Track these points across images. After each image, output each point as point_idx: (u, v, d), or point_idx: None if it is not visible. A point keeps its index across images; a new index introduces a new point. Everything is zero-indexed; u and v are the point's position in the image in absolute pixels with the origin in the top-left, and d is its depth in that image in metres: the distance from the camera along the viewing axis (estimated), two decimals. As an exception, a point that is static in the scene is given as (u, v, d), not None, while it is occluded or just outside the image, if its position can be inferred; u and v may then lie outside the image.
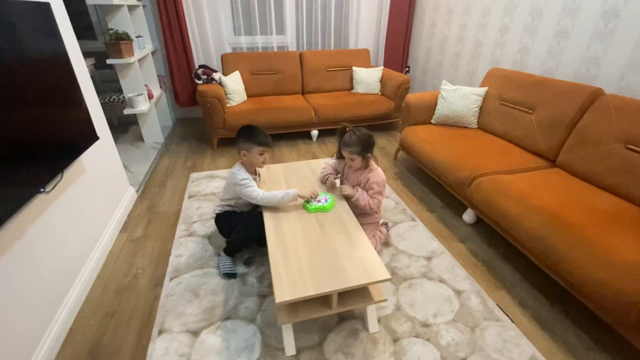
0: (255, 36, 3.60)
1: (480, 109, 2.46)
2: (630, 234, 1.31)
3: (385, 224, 1.86)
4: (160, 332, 1.37)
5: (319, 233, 1.42)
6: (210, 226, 1.98)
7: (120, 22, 2.68)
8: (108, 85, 3.59)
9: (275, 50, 3.68)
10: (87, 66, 3.00)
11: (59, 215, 1.44)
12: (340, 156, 1.71)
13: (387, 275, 1.20)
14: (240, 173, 1.60)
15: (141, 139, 3.25)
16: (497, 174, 1.84)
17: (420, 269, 1.67)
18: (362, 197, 1.62)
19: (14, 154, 1.10)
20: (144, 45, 3.07)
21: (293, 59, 3.45)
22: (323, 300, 1.27)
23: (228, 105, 3.05)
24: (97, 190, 1.80)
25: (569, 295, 1.51)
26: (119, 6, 2.62)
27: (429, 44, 3.62)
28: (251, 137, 1.59)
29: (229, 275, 1.62)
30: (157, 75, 3.45)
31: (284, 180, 1.82)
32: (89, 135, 1.58)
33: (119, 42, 2.55)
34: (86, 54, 3.11)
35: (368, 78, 3.46)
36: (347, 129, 1.61)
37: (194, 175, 2.60)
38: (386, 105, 3.31)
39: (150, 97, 3.03)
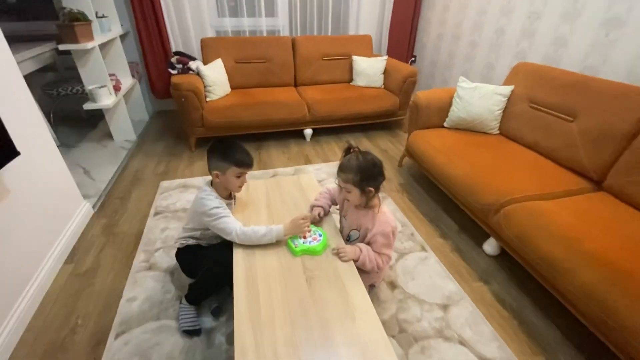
0: (241, 18, 3.14)
1: (503, 111, 2.07)
2: None
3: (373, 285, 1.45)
4: (91, 423, 1.02)
5: (306, 292, 1.05)
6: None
7: (77, 0, 2.23)
8: (73, 73, 3.13)
9: (265, 35, 3.23)
10: (46, 52, 2.59)
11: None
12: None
13: (399, 371, 0.84)
14: (210, 199, 1.23)
15: (110, 136, 2.84)
16: (531, 199, 1.48)
17: (434, 324, 1.33)
18: (367, 258, 1.19)
19: None
20: (109, 27, 2.62)
21: (284, 45, 3.00)
22: (307, 398, 0.92)
23: (208, 99, 2.63)
24: (28, 215, 1.42)
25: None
26: (72, -21, 2.16)
27: (440, 30, 3.18)
28: (227, 156, 1.20)
29: (191, 333, 1.26)
30: (129, 63, 3.00)
31: (264, 203, 1.44)
32: (2, 151, 1.18)
33: (73, 24, 2.12)
34: (46, 37, 2.67)
35: (370, 69, 3.03)
36: (352, 149, 1.22)
37: (164, 184, 2.21)
38: (390, 101, 2.90)
39: (117, 89, 2.61)
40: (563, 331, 1.31)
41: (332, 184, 1.47)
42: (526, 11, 2.25)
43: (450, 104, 2.16)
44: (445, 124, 2.21)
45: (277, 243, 1.21)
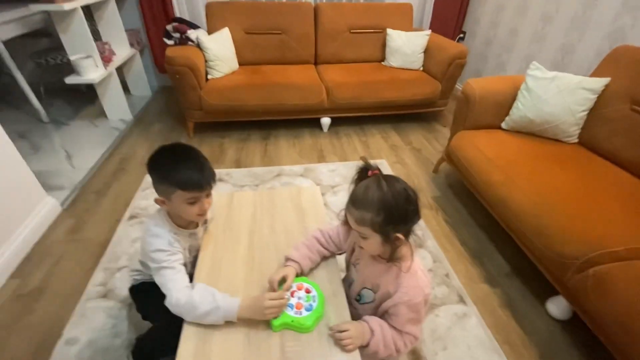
0: (257, -21, 2.63)
1: (590, 113, 1.51)
2: None
3: None
4: None
5: (277, 407, 0.66)
6: (139, 282, 1.28)
7: (54, -52, 1.84)
8: (70, 39, 2.82)
9: (285, 0, 2.72)
10: (36, 14, 2.24)
11: None
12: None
13: None
14: (155, 236, 0.84)
15: (105, 114, 2.52)
16: (636, 257, 0.98)
17: None
18: (382, 343, 0.76)
19: None
20: (100, -15, 2.23)
21: (305, 13, 2.50)
22: None
23: (210, 76, 2.22)
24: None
25: None
26: None
27: (501, 1, 2.53)
28: (168, 175, 0.79)
29: (133, 408, 0.93)
30: (128, 30, 2.62)
31: (247, 228, 1.04)
32: None
33: (45, -22, 1.74)
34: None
35: (407, 46, 2.48)
36: (370, 172, 0.77)
37: (149, 178, 1.87)
38: (430, 88, 2.36)
39: (106, 60, 2.25)
40: None
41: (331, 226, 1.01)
42: (636, -28, 1.62)
43: (513, 99, 1.62)
44: (503, 125, 1.68)
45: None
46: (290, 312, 0.78)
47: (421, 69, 2.53)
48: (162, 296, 0.81)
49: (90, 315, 1.17)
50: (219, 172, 1.87)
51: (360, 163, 0.77)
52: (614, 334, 0.93)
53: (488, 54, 2.74)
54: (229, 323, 0.77)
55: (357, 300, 0.89)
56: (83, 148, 2.16)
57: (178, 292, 0.78)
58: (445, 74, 2.35)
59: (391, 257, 0.76)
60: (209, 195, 0.86)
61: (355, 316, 0.83)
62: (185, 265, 0.88)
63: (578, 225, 1.10)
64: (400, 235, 0.71)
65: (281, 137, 2.34)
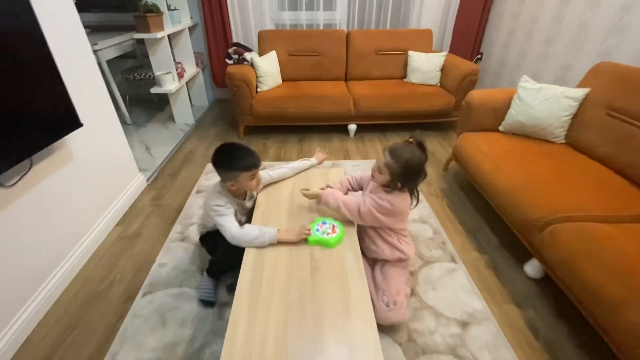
0: (300, 12, 3.19)
1: (573, 118, 1.80)
2: None
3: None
4: (109, 365, 1.15)
5: (307, 281, 1.05)
6: (206, 232, 1.73)
7: (153, -7, 2.48)
8: (149, 60, 3.51)
9: (322, 28, 3.25)
10: (127, 40, 2.93)
11: (26, 209, 1.27)
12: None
13: (383, 378, 0.79)
14: (216, 197, 1.28)
15: (173, 119, 3.13)
16: (587, 220, 1.26)
17: (448, 340, 1.22)
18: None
19: None
20: (180, 19, 2.87)
21: (338, 39, 2.99)
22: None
23: (259, 89, 2.74)
24: (88, 180, 1.63)
25: None
26: (150, -26, 2.41)
27: (512, 25, 2.87)
28: (233, 164, 1.23)
29: (206, 303, 1.35)
30: (195, 52, 3.26)
31: (288, 194, 1.46)
32: (67, 121, 1.37)
33: (146, 15, 2.36)
34: (128, 27, 3.03)
35: (426, 65, 2.87)
36: (411, 139, 1.16)
37: (210, 166, 2.35)
38: (444, 100, 2.72)
39: (180, 76, 2.85)
40: (608, 378, 1.11)
41: (358, 173, 1.45)
42: (616, 3, 1.91)
43: (508, 106, 1.95)
44: (500, 128, 2.00)
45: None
46: (321, 235, 1.18)
47: (438, 84, 2.90)
48: (222, 238, 1.23)
49: (174, 251, 1.63)
50: (262, 164, 2.32)
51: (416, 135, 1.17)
52: (562, 274, 1.22)
53: (502, 72, 3.05)
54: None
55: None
56: (158, 143, 2.73)
57: (232, 228, 1.20)
58: (458, 88, 2.69)
59: (385, 187, 1.17)
60: (258, 171, 1.29)
61: (361, 228, 1.25)
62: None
63: (544, 198, 1.40)
64: (400, 184, 1.12)
65: (314, 140, 2.79)
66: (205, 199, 1.36)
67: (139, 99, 3.60)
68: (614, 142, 1.58)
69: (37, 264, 1.33)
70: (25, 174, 1.24)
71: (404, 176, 1.13)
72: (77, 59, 1.55)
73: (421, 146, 1.13)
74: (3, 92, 1.09)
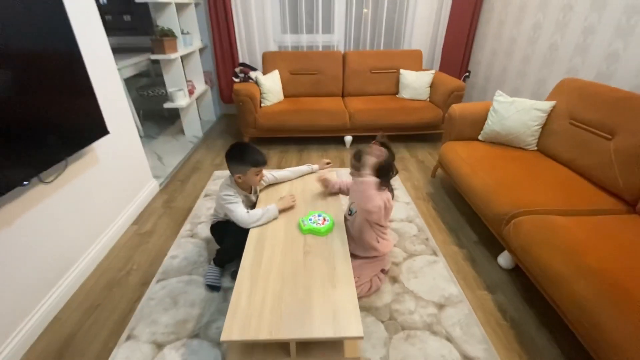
0: (300, 35, 3.49)
1: (542, 127, 2.01)
2: None
3: (384, 270, 1.55)
4: (128, 338, 1.32)
5: (300, 261, 1.23)
6: (213, 230, 1.92)
7: (168, 19, 2.78)
8: (162, 79, 3.80)
9: (321, 49, 3.53)
10: (143, 60, 3.22)
11: (60, 203, 1.48)
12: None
13: (359, 333, 0.97)
14: (226, 189, 1.50)
15: (182, 132, 3.38)
16: (548, 213, 1.45)
17: (425, 318, 1.38)
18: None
19: (11, 139, 1.12)
20: (191, 42, 3.17)
21: (335, 59, 3.26)
22: (284, 345, 1.08)
23: (263, 104, 2.99)
24: (110, 183, 1.84)
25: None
26: (166, 4, 2.71)
27: (495, 46, 3.13)
28: (245, 160, 1.45)
29: (212, 288, 1.53)
30: (204, 71, 3.55)
31: (286, 191, 1.66)
32: (96, 129, 1.60)
33: (162, 39, 2.64)
34: (144, 49, 3.33)
35: (416, 82, 3.12)
36: (374, 142, 1.37)
37: (217, 172, 2.59)
38: (433, 114, 2.94)
39: (190, 92, 3.12)
40: (563, 350, 1.26)
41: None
42: (581, 25, 2.16)
43: (485, 118, 2.16)
44: (479, 137, 2.21)
45: (288, 222, 1.42)
46: (313, 225, 1.37)
47: (427, 99, 3.14)
48: (230, 226, 1.43)
49: (184, 245, 1.82)
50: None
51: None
52: (523, 259, 1.39)
53: (487, 88, 3.29)
54: (275, 226, 1.38)
55: (349, 214, 1.47)
56: (169, 153, 2.96)
57: (240, 213, 1.41)
58: (446, 103, 2.92)
59: (357, 172, 1.37)
60: (262, 170, 1.50)
61: (348, 225, 1.42)
62: None
63: (512, 196, 1.59)
64: (368, 174, 1.31)
65: (313, 150, 3.01)
66: (218, 191, 1.57)
67: (151, 114, 3.87)
68: (575, 148, 1.78)
69: (66, 251, 1.53)
70: (61, 174, 1.46)
71: (375, 172, 1.30)
72: (105, 77, 1.79)
73: (385, 146, 1.33)
74: (51, 104, 1.32)
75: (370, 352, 1.25)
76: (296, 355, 1.05)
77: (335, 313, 1.03)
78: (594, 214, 1.44)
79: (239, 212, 1.41)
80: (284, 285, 1.13)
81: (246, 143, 1.51)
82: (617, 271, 1.09)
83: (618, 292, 1.03)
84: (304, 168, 1.81)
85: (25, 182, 1.21)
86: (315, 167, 1.83)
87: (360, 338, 0.97)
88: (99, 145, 1.73)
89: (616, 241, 1.24)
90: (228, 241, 1.55)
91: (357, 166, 1.34)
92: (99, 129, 1.62)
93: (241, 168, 1.45)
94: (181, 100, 2.94)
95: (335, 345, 1.09)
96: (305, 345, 1.08)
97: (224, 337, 0.96)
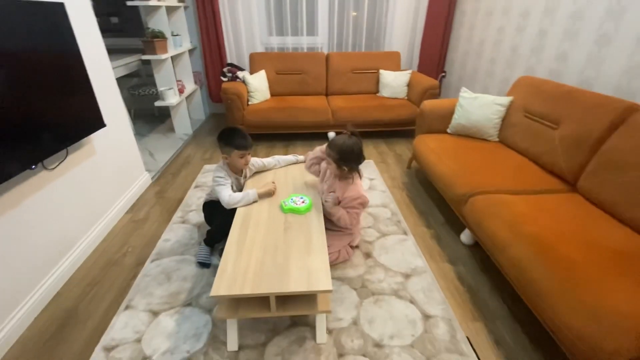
0: (286, 37, 3.67)
1: (502, 120, 2.23)
2: (632, 278, 1.08)
3: (352, 245, 1.75)
4: (126, 308, 1.46)
5: (281, 235, 1.40)
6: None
7: (159, 22, 2.93)
8: (152, 79, 3.92)
9: (306, 51, 3.72)
10: (134, 61, 3.35)
11: (61, 189, 1.61)
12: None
13: (329, 287, 1.14)
14: (217, 171, 1.65)
15: (173, 130, 3.51)
16: (500, 192, 1.65)
17: (393, 286, 1.57)
18: (342, 212, 1.58)
19: (16, 131, 1.26)
20: (181, 43, 3.31)
21: (319, 60, 3.45)
22: (265, 301, 1.25)
23: (250, 102, 3.15)
24: (106, 172, 1.98)
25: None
26: (157, 7, 2.86)
27: (467, 48, 3.37)
28: (229, 141, 1.61)
29: (203, 265, 1.68)
30: (193, 72, 3.69)
31: (270, 177, 1.83)
32: (94, 122, 1.75)
33: (153, 40, 2.79)
34: (136, 50, 3.46)
35: (394, 82, 3.33)
36: (345, 131, 1.54)
37: (206, 166, 2.74)
38: (409, 111, 3.15)
39: (180, 92, 3.26)
40: (509, 307, 1.46)
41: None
42: (536, 29, 2.39)
43: (452, 113, 2.37)
44: (448, 130, 2.42)
45: (271, 203, 1.59)
46: (294, 205, 1.54)
47: (405, 97, 3.35)
48: (219, 207, 1.60)
49: (176, 230, 1.97)
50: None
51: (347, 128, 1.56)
52: (477, 231, 1.59)
53: (460, 87, 3.51)
54: (260, 206, 1.55)
55: (326, 201, 1.64)
56: (160, 150, 3.09)
57: (227, 195, 1.57)
58: (421, 101, 3.11)
59: (341, 177, 1.53)
60: (249, 154, 1.67)
61: (325, 209, 1.60)
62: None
63: (471, 179, 1.79)
64: (345, 168, 1.49)
65: (298, 145, 3.18)
66: (213, 172, 1.72)
67: (143, 113, 3.99)
68: (529, 137, 2.00)
69: (67, 233, 1.66)
70: (62, 161, 1.60)
71: (343, 160, 1.49)
72: (101, 74, 1.94)
73: (354, 134, 1.52)
74: (55, 98, 1.46)
75: (342, 313, 1.43)
76: (276, 309, 1.22)
77: (309, 273, 1.20)
78: (540, 193, 1.65)
79: (224, 193, 1.58)
80: (266, 254, 1.29)
81: (236, 127, 1.67)
82: (550, 237, 1.30)
83: (549, 253, 1.23)
84: (290, 158, 1.97)
85: (33, 166, 1.35)
86: (301, 157, 2.00)
87: (330, 291, 1.14)
88: (96, 138, 1.87)
89: (554, 214, 1.45)
90: (217, 221, 1.70)
91: (332, 154, 1.51)
92: (97, 122, 1.76)
93: (226, 149, 1.61)
94: (172, 98, 3.08)
95: (309, 300, 1.26)
96: (284, 300, 1.25)
97: (213, 292, 1.12)
